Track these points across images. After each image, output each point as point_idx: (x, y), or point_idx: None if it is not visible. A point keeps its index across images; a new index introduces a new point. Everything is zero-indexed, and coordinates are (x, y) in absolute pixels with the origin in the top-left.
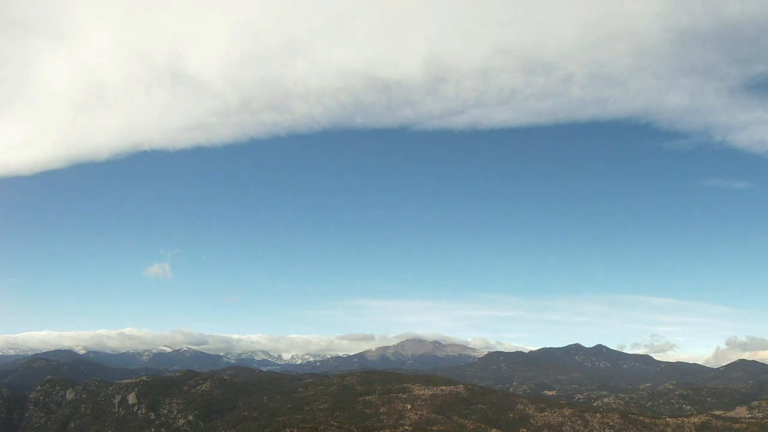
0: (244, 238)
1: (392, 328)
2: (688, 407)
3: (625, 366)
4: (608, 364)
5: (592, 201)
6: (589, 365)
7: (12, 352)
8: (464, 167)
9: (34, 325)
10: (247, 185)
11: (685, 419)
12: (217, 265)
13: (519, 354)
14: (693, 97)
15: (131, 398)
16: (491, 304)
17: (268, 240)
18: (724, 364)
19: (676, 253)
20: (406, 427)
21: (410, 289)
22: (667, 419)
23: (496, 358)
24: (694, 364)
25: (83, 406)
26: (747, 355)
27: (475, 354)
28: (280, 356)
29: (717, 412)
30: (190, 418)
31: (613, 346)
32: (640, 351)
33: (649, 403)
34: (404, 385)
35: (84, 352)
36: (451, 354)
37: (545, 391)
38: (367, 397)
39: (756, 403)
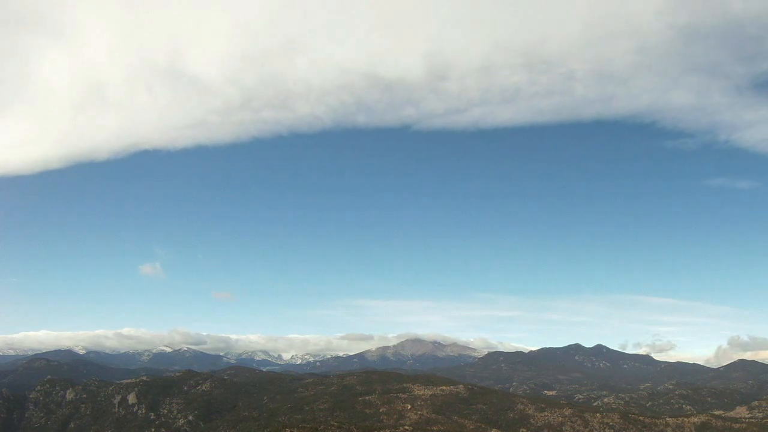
0: (243, 238)
1: (392, 328)
2: (688, 407)
3: (625, 366)
4: (608, 364)
5: (592, 201)
6: (589, 365)
7: (12, 353)
8: (464, 167)
9: (31, 325)
10: (246, 185)
11: (685, 419)
12: (217, 265)
13: (519, 354)
14: (698, 96)
15: (131, 398)
16: (491, 304)
17: (267, 239)
18: (724, 364)
19: (677, 253)
20: (406, 427)
21: (410, 289)
22: (667, 419)
23: (496, 358)
24: (694, 364)
25: (83, 406)
26: (749, 355)
27: (475, 354)
28: (280, 356)
29: (717, 412)
30: (190, 418)
31: (613, 346)
32: (641, 351)
33: (649, 403)
34: (404, 385)
35: (83, 352)
36: (451, 354)
37: (545, 391)
38: (367, 397)
39: (756, 403)
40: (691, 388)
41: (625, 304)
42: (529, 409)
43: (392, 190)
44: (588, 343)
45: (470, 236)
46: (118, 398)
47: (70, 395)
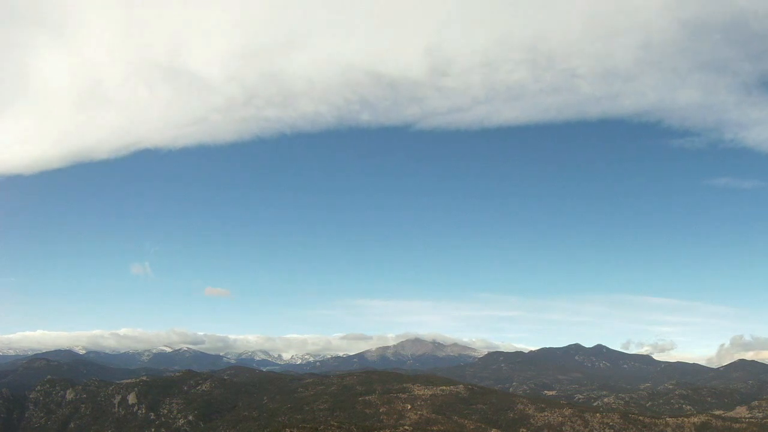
0: (243, 238)
1: (392, 328)
2: (688, 407)
3: (625, 366)
4: (608, 364)
5: (592, 200)
6: (589, 365)
7: (12, 353)
8: (464, 166)
9: (28, 325)
10: (246, 184)
11: (685, 419)
12: (217, 264)
13: (519, 354)
14: (705, 94)
15: (131, 398)
16: (491, 304)
17: (267, 239)
18: (724, 364)
19: (677, 252)
20: (406, 427)
21: (410, 289)
22: (667, 419)
23: (496, 358)
24: (694, 364)
25: (83, 406)
26: (751, 355)
27: (475, 354)
28: (279, 356)
29: (717, 412)
30: (190, 418)
31: (613, 346)
32: (642, 351)
33: (649, 403)
34: (404, 385)
35: (83, 352)
36: (451, 354)
37: (545, 391)
38: (367, 397)
39: (756, 403)
40: (691, 388)
41: (626, 304)
42: (529, 409)
43: (392, 189)
44: (588, 343)
45: (470, 236)
46: (118, 398)
47: (70, 395)
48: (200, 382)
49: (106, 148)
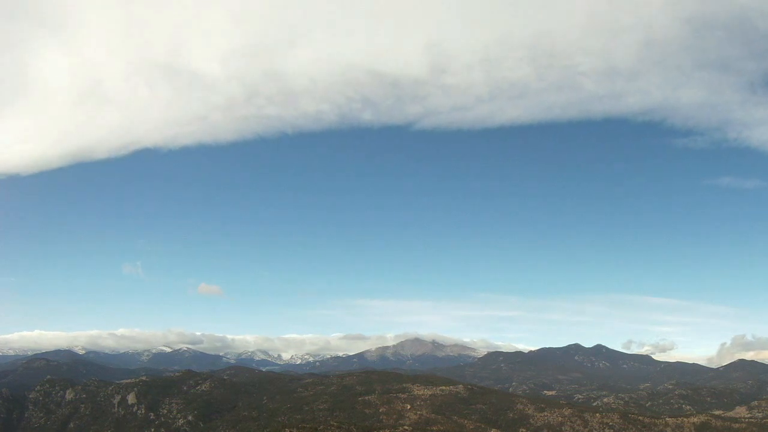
0: (242, 237)
1: (392, 328)
2: (688, 407)
3: (624, 366)
4: (608, 364)
5: (591, 200)
6: (589, 365)
7: (11, 353)
8: (463, 166)
9: (24, 325)
10: (245, 184)
11: (685, 419)
12: (216, 264)
13: (519, 354)
14: (709, 93)
15: (131, 398)
16: (491, 304)
17: (266, 239)
18: (723, 364)
19: (677, 252)
20: (406, 427)
21: (410, 289)
22: (667, 419)
23: (495, 358)
24: (694, 364)
25: (83, 406)
26: (751, 355)
27: (475, 354)
28: (279, 356)
29: (716, 412)
30: (190, 418)
31: (613, 346)
32: (642, 351)
33: (649, 403)
34: (404, 385)
35: (83, 352)
36: (451, 354)
37: (545, 391)
38: (366, 397)
39: (755, 403)
40: (691, 388)
41: (626, 304)
42: (529, 409)
43: (392, 189)
44: (588, 343)
45: (470, 236)
46: (117, 398)
47: (69, 395)
48: (200, 382)
49: (106, 147)
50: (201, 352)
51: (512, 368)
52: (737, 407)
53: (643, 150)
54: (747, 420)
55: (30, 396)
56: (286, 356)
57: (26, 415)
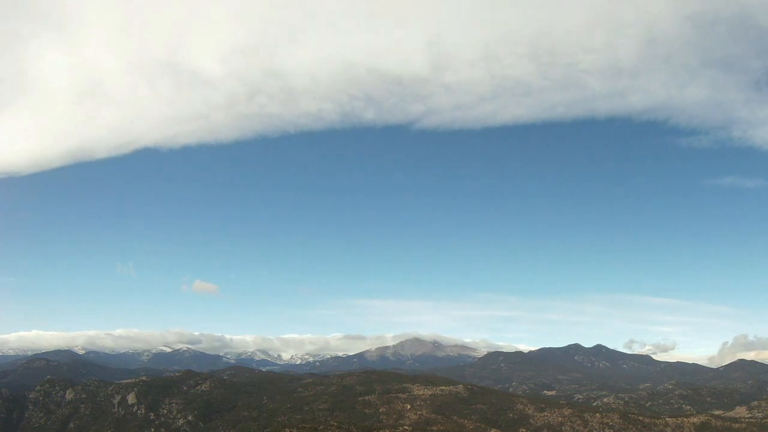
0: (242, 237)
1: (392, 328)
2: (688, 407)
3: (624, 366)
4: (608, 364)
5: (591, 200)
6: (589, 365)
7: (11, 353)
8: (463, 166)
9: (21, 326)
10: (244, 183)
11: (685, 419)
12: (216, 264)
13: (518, 354)
14: (713, 91)
15: (131, 398)
16: (491, 304)
17: (265, 238)
18: (723, 364)
19: (677, 252)
20: (406, 427)
21: (410, 289)
22: (667, 419)
23: (495, 358)
24: (694, 364)
25: (83, 406)
26: (752, 355)
27: (475, 354)
28: (279, 356)
29: (716, 412)
30: (190, 418)
31: (612, 346)
32: (643, 351)
33: (649, 403)
34: (404, 385)
35: (83, 352)
36: (451, 354)
37: (545, 391)
38: (366, 397)
39: (755, 403)
40: (691, 388)
41: (626, 304)
42: (529, 409)
43: (392, 189)
44: (588, 343)
45: (470, 236)
46: (117, 398)
47: (69, 395)
48: (200, 382)
49: (106, 146)
50: (201, 352)
51: (512, 368)
52: (737, 407)
53: (646, 149)
54: (747, 420)
55: (30, 396)
56: (286, 356)
57: (26, 415)
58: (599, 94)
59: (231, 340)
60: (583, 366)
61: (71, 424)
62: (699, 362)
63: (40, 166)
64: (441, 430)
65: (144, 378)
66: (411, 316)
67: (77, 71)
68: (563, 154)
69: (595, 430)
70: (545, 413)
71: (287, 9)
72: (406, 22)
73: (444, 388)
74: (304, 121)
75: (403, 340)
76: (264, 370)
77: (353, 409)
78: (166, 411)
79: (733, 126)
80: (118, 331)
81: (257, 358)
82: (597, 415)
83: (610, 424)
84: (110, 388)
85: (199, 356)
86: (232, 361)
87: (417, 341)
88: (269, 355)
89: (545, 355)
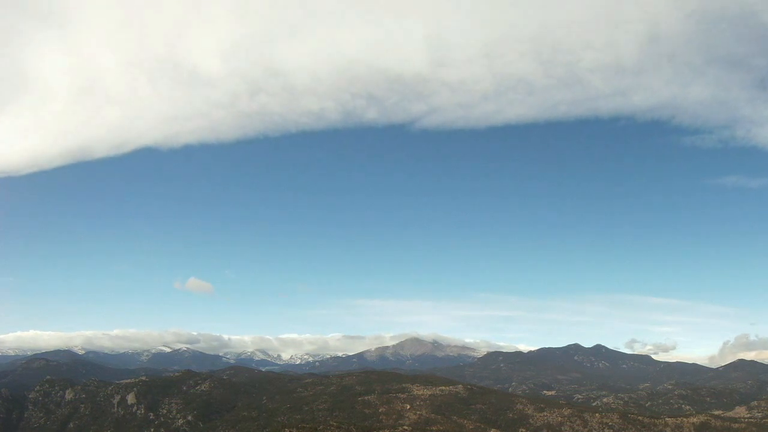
0: (240, 237)
1: (391, 328)
2: (688, 407)
3: (624, 366)
4: (607, 364)
5: (591, 200)
6: (589, 365)
7: (11, 353)
8: (464, 165)
9: (19, 326)
10: (243, 183)
11: (685, 419)
12: (215, 263)
13: (518, 354)
14: (718, 90)
15: (130, 398)
16: (491, 304)
17: (264, 238)
18: (723, 364)
19: (677, 252)
20: (406, 427)
21: (410, 289)
22: (667, 419)
23: (495, 358)
24: (694, 364)
25: (82, 406)
26: (753, 355)
27: (475, 354)
28: (279, 356)
29: (716, 412)
30: (190, 418)
31: (612, 346)
32: (643, 351)
33: (649, 403)
34: (403, 385)
35: (82, 352)
36: (451, 354)
37: (544, 391)
38: (366, 397)
39: (755, 403)
40: (691, 388)
41: (626, 304)
42: (529, 409)
43: (391, 188)
44: (587, 343)
45: (470, 236)
46: (117, 398)
47: (69, 395)
48: (199, 382)
49: (106, 145)
50: (200, 352)
51: (512, 368)
52: (737, 407)
53: (649, 148)
54: (746, 420)
55: (30, 396)
56: (285, 356)
57: (26, 415)
58: (602, 92)
59: (229, 339)
60: (583, 366)
61: (71, 424)
62: (700, 362)
63: (39, 166)
64: (440, 430)
65: (144, 378)
66: (411, 316)
67: (76, 70)
68: (564, 154)
69: (595, 430)
70: (545, 413)
71: (287, 6)
72: (407, 19)
73: (444, 388)
74: (305, 120)
75: (402, 340)
76: (264, 370)
77: (353, 409)
78: (165, 411)
79: (737, 125)
80: (115, 332)
81: (257, 358)
82: (597, 415)
83: (610, 424)
84: (110, 388)
85: (199, 356)
86: (232, 361)
87: (417, 341)
88: (269, 355)
89: (545, 355)
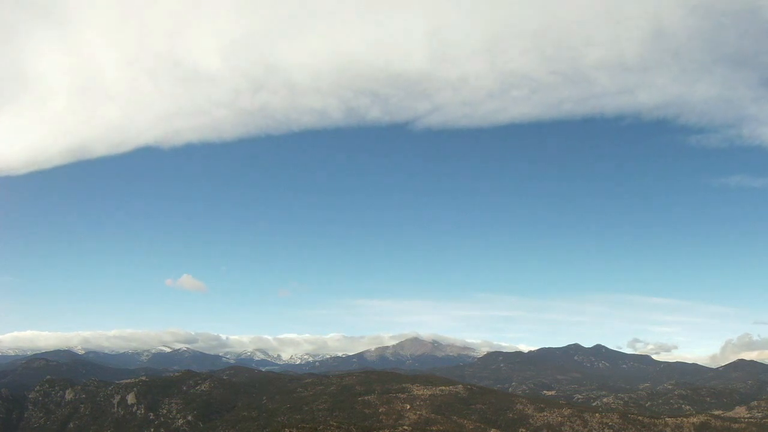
0: (241, 236)
1: (391, 328)
2: (688, 407)
3: (624, 366)
4: (607, 364)
5: (591, 200)
6: (588, 365)
7: (11, 353)
8: (464, 165)
9: (16, 326)
10: (243, 182)
11: (685, 419)
12: (214, 263)
13: (518, 354)
14: (723, 88)
15: (130, 398)
16: (491, 304)
17: (265, 238)
18: (723, 364)
19: (677, 252)
20: (405, 427)
21: (410, 289)
22: (667, 419)
23: (495, 358)
24: (694, 364)
25: (82, 406)
26: (755, 355)
27: (475, 354)
28: (279, 356)
29: (716, 412)
30: (190, 418)
31: (612, 346)
32: (644, 351)
33: (648, 403)
34: (403, 385)
35: (82, 352)
36: (451, 354)
37: (544, 391)
38: (366, 397)
39: (755, 403)
40: (691, 388)
41: (626, 304)
42: (529, 409)
43: (391, 188)
44: (587, 343)
45: (470, 236)
46: (117, 398)
47: (69, 395)
48: (199, 382)
49: (106, 144)
50: (200, 352)
51: (512, 368)
52: (737, 407)
53: (654, 148)
54: (746, 420)
55: (30, 396)
56: (285, 356)
57: (26, 415)
58: (608, 90)
59: (228, 339)
60: (583, 366)
61: (71, 424)
62: (701, 362)
63: (39, 165)
64: (440, 430)
65: (143, 378)
66: (411, 316)
67: (76, 68)
68: (566, 153)
69: (595, 430)
70: (545, 413)
71: (287, 3)
72: (408, 16)
73: (443, 388)
74: (308, 118)
75: (402, 340)
76: (263, 370)
77: (353, 409)
78: (165, 411)
79: (742, 124)
80: (113, 332)
81: (257, 358)
82: (596, 415)
83: (610, 424)
84: (110, 388)
85: (199, 356)
86: (232, 361)
87: (416, 341)
88: (269, 355)
89: (545, 355)
